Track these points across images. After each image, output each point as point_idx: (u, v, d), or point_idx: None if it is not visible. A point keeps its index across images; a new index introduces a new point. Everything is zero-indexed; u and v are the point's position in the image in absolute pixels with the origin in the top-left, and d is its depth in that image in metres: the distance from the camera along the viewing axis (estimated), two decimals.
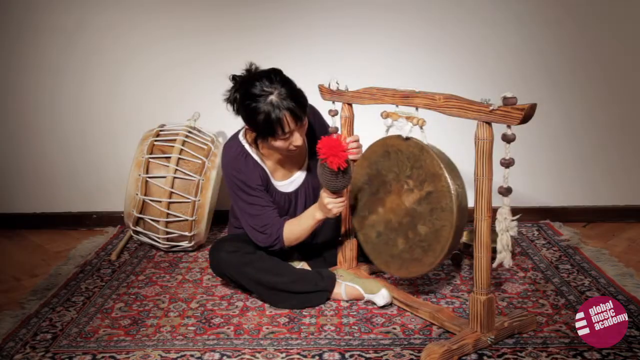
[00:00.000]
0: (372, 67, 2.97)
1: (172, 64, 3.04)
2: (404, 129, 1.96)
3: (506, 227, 1.75)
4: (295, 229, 2.21)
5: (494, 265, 1.81)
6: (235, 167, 2.22)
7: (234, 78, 2.16)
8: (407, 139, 1.98)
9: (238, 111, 2.15)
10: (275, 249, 2.23)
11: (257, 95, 2.05)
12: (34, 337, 2.03)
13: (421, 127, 1.93)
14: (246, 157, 2.24)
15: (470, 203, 1.85)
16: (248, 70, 2.15)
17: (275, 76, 2.08)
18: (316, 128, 2.37)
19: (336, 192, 2.07)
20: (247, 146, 2.25)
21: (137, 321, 2.14)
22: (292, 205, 2.34)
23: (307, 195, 2.37)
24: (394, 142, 2.04)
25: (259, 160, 2.25)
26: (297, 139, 2.11)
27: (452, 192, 1.88)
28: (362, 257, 2.35)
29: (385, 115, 2.01)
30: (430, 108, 1.88)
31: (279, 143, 2.11)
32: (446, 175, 1.89)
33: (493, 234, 1.82)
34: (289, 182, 2.33)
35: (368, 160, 2.15)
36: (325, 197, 2.08)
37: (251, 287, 2.23)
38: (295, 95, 2.07)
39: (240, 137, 2.27)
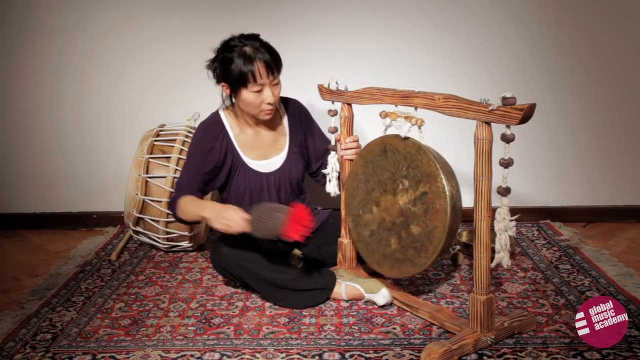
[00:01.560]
0: (372, 67, 2.97)
1: (172, 64, 3.04)
2: (402, 128, 1.96)
3: (505, 227, 1.75)
4: (189, 208, 2.20)
5: (492, 265, 1.81)
6: (203, 130, 2.31)
7: (217, 49, 2.25)
8: (405, 138, 1.98)
9: (217, 77, 2.25)
10: (171, 212, 2.28)
11: (232, 47, 2.18)
12: (34, 337, 2.03)
13: (419, 127, 1.93)
14: (219, 125, 2.32)
15: (470, 203, 1.85)
16: None
17: (252, 36, 2.21)
18: (302, 123, 2.41)
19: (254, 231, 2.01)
20: (223, 117, 2.33)
21: (137, 321, 2.14)
22: (264, 187, 2.36)
23: (282, 182, 2.39)
24: (391, 141, 2.04)
25: (229, 131, 2.32)
26: (268, 96, 2.18)
27: (447, 193, 1.88)
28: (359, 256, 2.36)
29: (384, 114, 2.01)
30: (430, 108, 1.88)
31: (250, 96, 2.17)
32: (442, 175, 1.89)
33: (492, 234, 1.82)
34: (265, 163, 2.36)
35: (364, 158, 2.15)
36: (231, 216, 2.04)
37: (252, 283, 2.23)
38: (268, 49, 2.18)
39: (220, 110, 2.36)
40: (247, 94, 2.18)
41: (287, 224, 1.95)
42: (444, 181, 1.88)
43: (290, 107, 2.43)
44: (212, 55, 2.27)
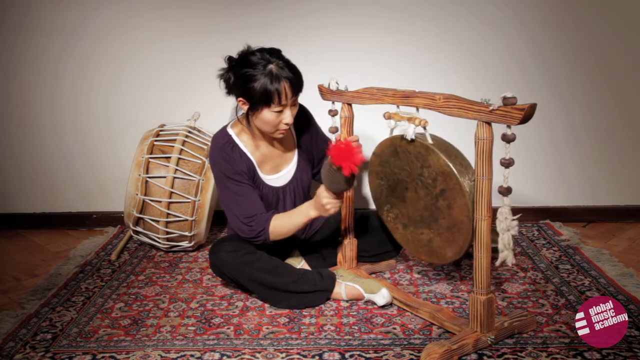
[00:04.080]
0: (372, 67, 2.97)
1: (172, 64, 3.04)
2: (407, 131, 1.95)
3: (507, 226, 1.75)
4: (285, 223, 2.19)
5: (497, 264, 1.81)
6: (222, 156, 2.22)
7: (230, 59, 2.18)
8: (412, 140, 1.97)
9: (231, 89, 2.18)
10: (258, 241, 2.21)
11: (255, 63, 2.10)
12: (34, 337, 2.03)
13: (424, 128, 1.92)
14: (233, 147, 2.24)
15: None
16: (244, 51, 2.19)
17: (274, 52, 2.14)
18: (308, 129, 2.39)
19: (337, 194, 2.08)
20: (234, 136, 2.26)
21: (137, 321, 2.14)
22: (280, 200, 2.34)
23: (296, 192, 2.37)
24: (400, 142, 2.03)
25: (245, 151, 2.26)
26: (288, 117, 2.14)
27: (465, 188, 1.87)
28: (395, 246, 2.43)
29: (388, 116, 2.01)
30: (430, 108, 1.88)
31: (270, 116, 2.12)
32: (455, 172, 1.88)
33: (493, 234, 1.82)
34: (278, 176, 2.33)
35: (379, 157, 2.15)
36: (325, 197, 2.08)
37: (251, 287, 2.23)
38: (293, 69, 2.12)
39: (229, 128, 2.29)
40: (268, 114, 2.12)
41: (346, 169, 1.95)
42: (458, 178, 1.88)
43: (297, 115, 2.39)
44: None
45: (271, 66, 2.08)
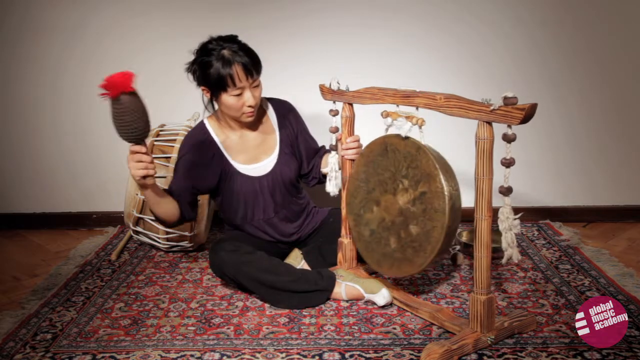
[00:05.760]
0: (373, 66, 2.97)
1: (171, 64, 3.02)
2: (403, 128, 1.95)
3: (509, 225, 1.75)
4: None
5: (503, 261, 1.80)
6: (187, 138, 2.33)
7: (195, 51, 2.25)
8: (406, 138, 1.97)
9: (198, 80, 2.25)
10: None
11: (210, 50, 2.16)
12: (34, 337, 2.03)
13: (420, 127, 1.92)
14: (205, 134, 2.32)
15: (471, 203, 1.85)
16: None
17: (229, 38, 2.20)
18: (292, 123, 2.42)
19: (132, 142, 1.89)
20: (207, 125, 2.34)
21: (137, 321, 2.14)
22: (258, 192, 2.35)
23: (275, 184, 2.37)
24: (392, 141, 2.03)
25: (215, 139, 2.32)
26: (249, 99, 2.18)
27: (446, 193, 1.87)
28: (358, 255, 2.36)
29: (385, 114, 2.01)
30: (431, 108, 1.88)
31: (231, 100, 2.18)
32: (441, 176, 1.88)
33: (493, 233, 1.82)
34: (255, 166, 2.35)
35: (366, 158, 2.14)
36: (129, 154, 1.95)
37: (251, 287, 2.23)
38: (247, 52, 2.17)
39: (205, 119, 2.37)
40: (228, 98, 2.18)
41: (109, 91, 1.83)
42: (442, 181, 1.88)
43: (280, 108, 2.43)
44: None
45: (224, 51, 2.14)
